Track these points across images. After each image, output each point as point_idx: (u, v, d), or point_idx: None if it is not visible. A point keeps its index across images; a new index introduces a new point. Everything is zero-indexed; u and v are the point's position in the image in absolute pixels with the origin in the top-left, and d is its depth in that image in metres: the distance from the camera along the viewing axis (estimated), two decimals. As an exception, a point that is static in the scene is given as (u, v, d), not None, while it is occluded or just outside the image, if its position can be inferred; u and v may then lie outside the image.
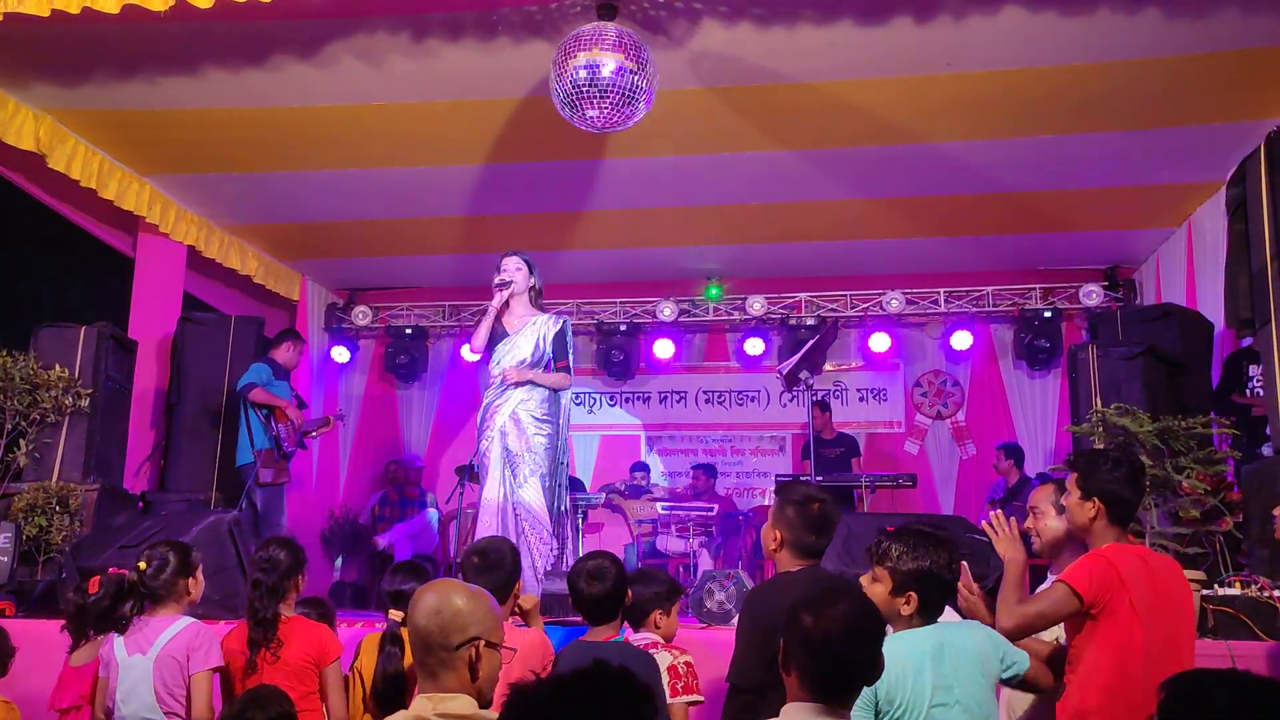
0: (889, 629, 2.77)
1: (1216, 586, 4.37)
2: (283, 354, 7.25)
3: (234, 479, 7.08)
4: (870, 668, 2.25)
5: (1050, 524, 3.35)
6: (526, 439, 5.45)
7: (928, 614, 2.74)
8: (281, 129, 6.50)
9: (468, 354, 9.94)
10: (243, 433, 6.89)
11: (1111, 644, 2.84)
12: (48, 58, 5.71)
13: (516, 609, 3.55)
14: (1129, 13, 5.12)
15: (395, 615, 3.38)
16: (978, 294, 9.35)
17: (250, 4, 4.60)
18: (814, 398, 9.09)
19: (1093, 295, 8.94)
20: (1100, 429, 4.97)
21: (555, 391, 5.62)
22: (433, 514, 8.96)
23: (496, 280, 5.69)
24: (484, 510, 5.37)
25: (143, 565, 3.36)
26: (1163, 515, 4.72)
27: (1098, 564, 2.91)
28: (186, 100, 6.10)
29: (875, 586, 2.77)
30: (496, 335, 5.65)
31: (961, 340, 9.44)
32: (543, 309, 5.80)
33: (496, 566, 3.41)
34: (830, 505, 3.22)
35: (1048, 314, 9.17)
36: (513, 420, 5.47)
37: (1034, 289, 9.27)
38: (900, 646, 2.65)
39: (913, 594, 2.72)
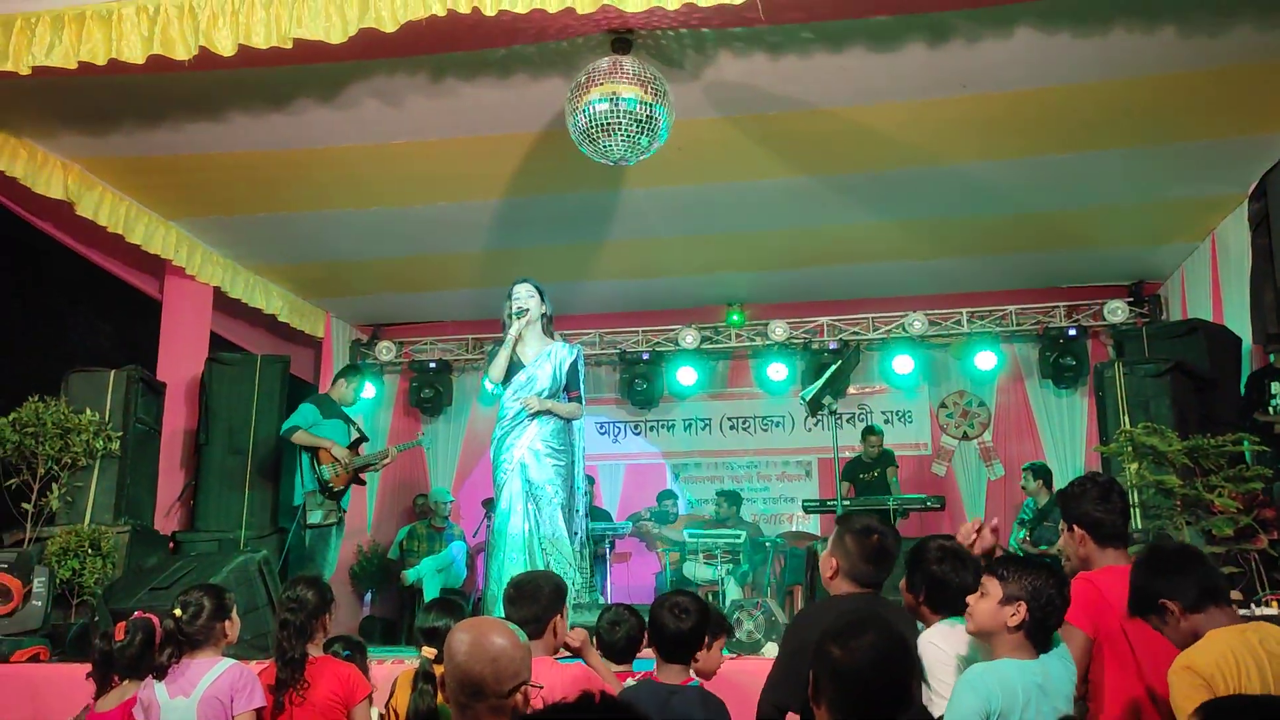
0: (984, 654, 2.74)
1: (1253, 605, 4.31)
2: (338, 390, 7.28)
3: (265, 518, 7.15)
4: (901, 698, 2.23)
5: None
6: (547, 470, 5.46)
7: (1034, 638, 2.64)
8: (304, 170, 6.59)
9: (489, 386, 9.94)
10: (296, 474, 6.91)
11: (1110, 669, 2.80)
12: (75, 108, 5.83)
13: (563, 646, 3.52)
14: (1144, 31, 5.12)
15: (428, 652, 3.37)
16: (1001, 313, 9.31)
17: (272, 50, 4.68)
18: (864, 423, 9.12)
19: (1118, 312, 8.88)
20: (1129, 449, 4.92)
21: (569, 421, 5.64)
22: (460, 546, 8.96)
23: (513, 308, 5.69)
24: (510, 545, 5.35)
25: (178, 612, 3.37)
26: (1196, 534, 4.67)
27: (1082, 591, 2.86)
28: (211, 145, 6.21)
29: (984, 600, 2.70)
30: (512, 366, 5.65)
31: (986, 360, 9.40)
32: (553, 336, 5.81)
33: (532, 599, 3.39)
34: (891, 539, 3.18)
35: (1072, 331, 9.11)
36: (531, 452, 5.49)
37: (1058, 307, 9.22)
38: (1012, 673, 2.58)
39: (1022, 604, 2.62)
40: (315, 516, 6.75)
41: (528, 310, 5.64)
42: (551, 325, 5.82)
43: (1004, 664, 2.61)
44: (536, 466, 5.47)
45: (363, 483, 7.24)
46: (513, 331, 5.62)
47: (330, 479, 6.79)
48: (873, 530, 3.13)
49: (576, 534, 5.52)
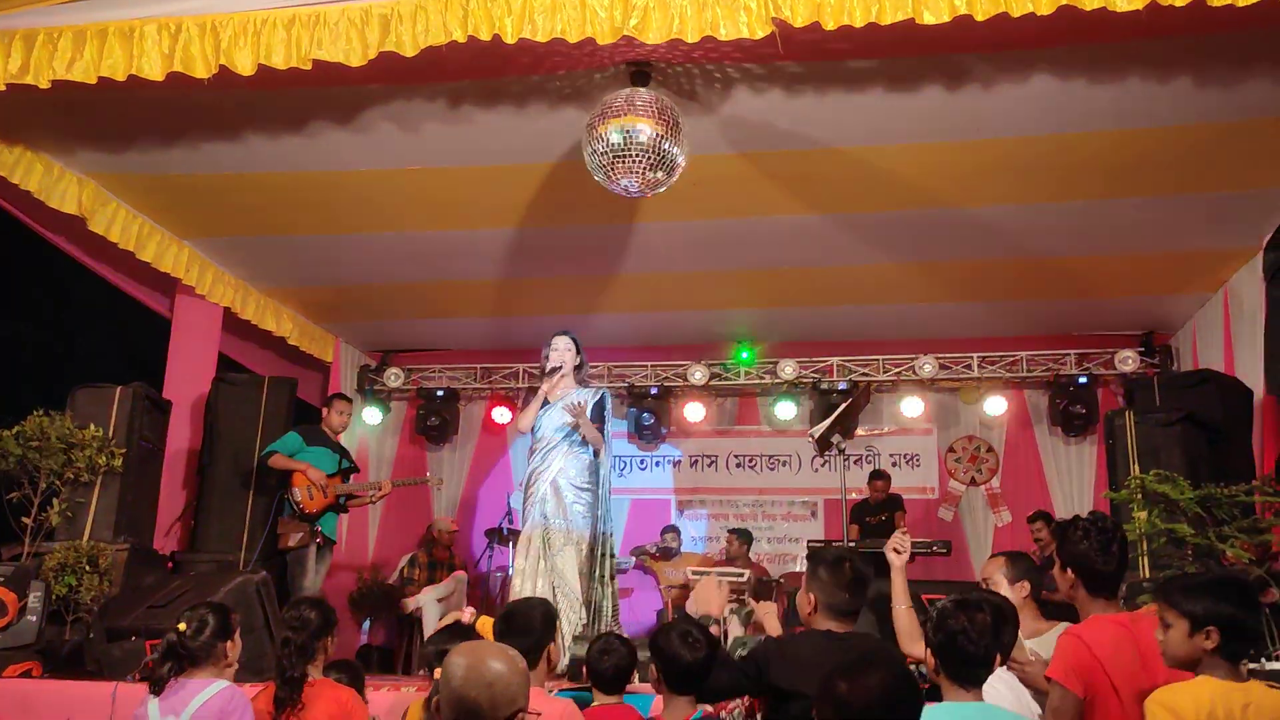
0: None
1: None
2: (328, 417, 7.19)
3: (267, 540, 7.09)
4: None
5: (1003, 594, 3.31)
6: (565, 507, 5.54)
7: (953, 676, 2.62)
8: (318, 193, 6.61)
9: (498, 416, 9.94)
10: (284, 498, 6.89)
11: None
12: (93, 124, 5.85)
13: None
14: (1159, 80, 5.13)
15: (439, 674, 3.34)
16: (1011, 359, 9.28)
17: (291, 71, 4.70)
18: (874, 467, 9.07)
19: (1128, 361, 8.84)
20: (1139, 496, 4.87)
21: (595, 459, 5.73)
22: (461, 576, 8.88)
23: (549, 365, 5.76)
24: (523, 578, 5.42)
25: (183, 626, 3.34)
26: (1206, 585, 4.59)
27: (1071, 647, 2.81)
28: (226, 165, 6.23)
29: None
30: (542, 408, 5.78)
31: (995, 406, 9.35)
32: (584, 384, 5.94)
33: (524, 630, 3.37)
34: (861, 564, 3.23)
35: (1083, 380, 9.08)
36: (552, 487, 5.59)
37: (1068, 354, 9.19)
38: (940, 716, 2.53)
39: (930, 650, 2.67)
40: (292, 539, 6.68)
41: (562, 366, 5.75)
42: (585, 374, 6.00)
43: (936, 709, 2.54)
44: (555, 503, 5.57)
45: (345, 510, 7.12)
46: (545, 388, 5.76)
47: (301, 500, 6.71)
48: (844, 559, 3.17)
49: (597, 571, 5.56)
